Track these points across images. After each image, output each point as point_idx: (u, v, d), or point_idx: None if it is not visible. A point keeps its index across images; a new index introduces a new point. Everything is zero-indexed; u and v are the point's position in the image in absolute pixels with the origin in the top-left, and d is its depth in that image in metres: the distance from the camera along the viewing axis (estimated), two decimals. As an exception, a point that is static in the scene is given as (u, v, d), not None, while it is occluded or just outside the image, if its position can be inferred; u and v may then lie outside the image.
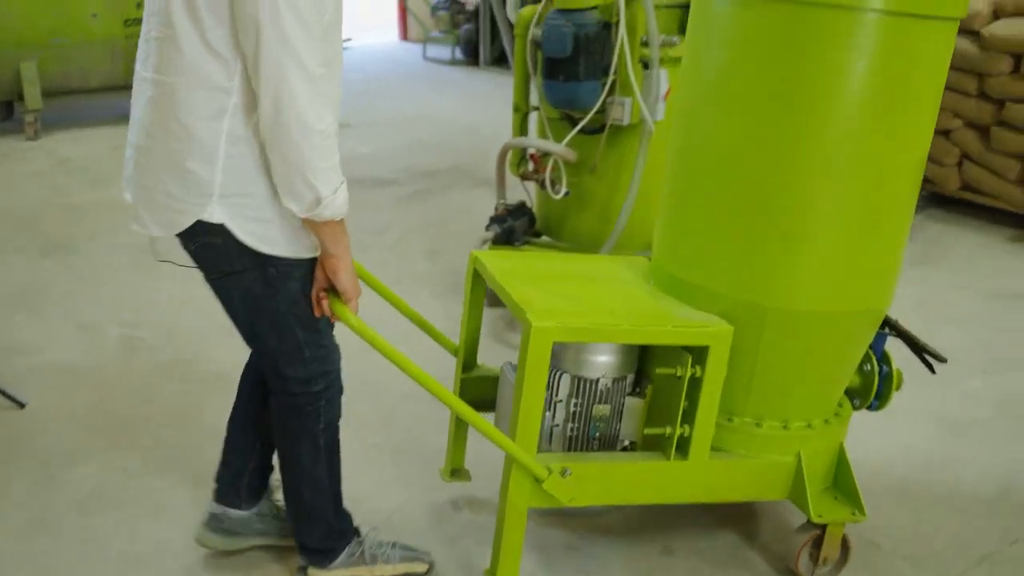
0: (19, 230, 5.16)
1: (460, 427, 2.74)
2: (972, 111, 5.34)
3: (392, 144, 7.18)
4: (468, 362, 2.71)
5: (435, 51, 11.42)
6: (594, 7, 3.70)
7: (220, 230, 1.97)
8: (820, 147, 2.23)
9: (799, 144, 2.24)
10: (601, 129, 3.87)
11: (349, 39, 12.10)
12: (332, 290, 2.09)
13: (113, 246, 4.87)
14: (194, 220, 1.96)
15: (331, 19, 1.91)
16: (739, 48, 2.29)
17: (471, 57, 10.94)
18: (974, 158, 5.41)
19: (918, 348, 2.67)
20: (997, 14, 5.26)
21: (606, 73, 3.75)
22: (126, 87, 7.53)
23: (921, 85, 2.28)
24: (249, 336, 2.23)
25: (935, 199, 5.70)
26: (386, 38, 12.80)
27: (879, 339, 2.61)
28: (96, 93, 7.59)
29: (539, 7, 3.88)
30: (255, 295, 2.09)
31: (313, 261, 2.08)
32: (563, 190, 3.96)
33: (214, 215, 1.95)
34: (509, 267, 2.53)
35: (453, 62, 11.06)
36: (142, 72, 1.99)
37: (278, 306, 2.10)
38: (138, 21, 7.22)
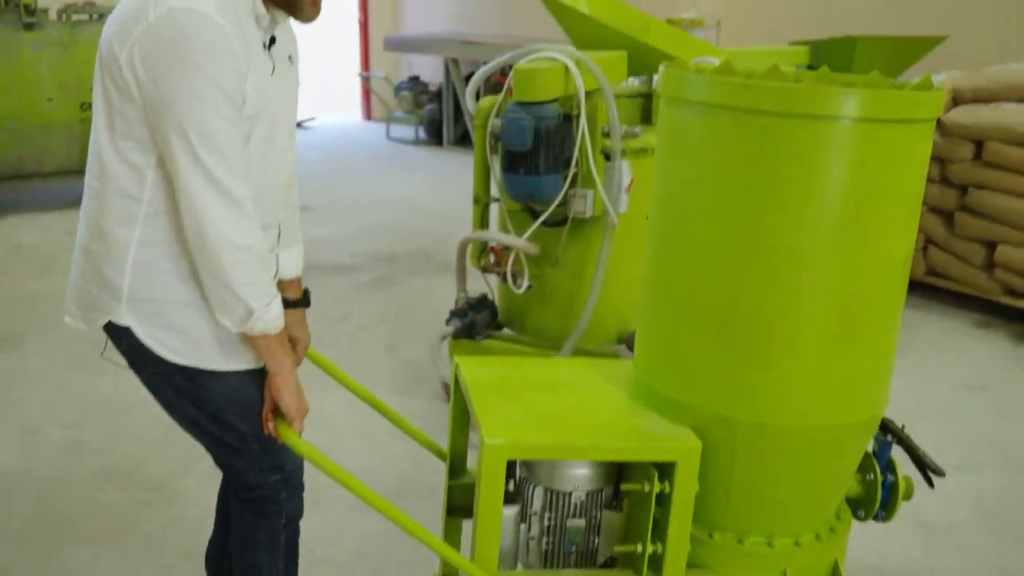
0: (-38, 322, 4.99)
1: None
2: (935, 197, 5.33)
3: (353, 227, 7.07)
4: (456, 468, 2.58)
5: (399, 131, 11.41)
6: (554, 99, 3.64)
7: (128, 333, 2.00)
8: (794, 257, 2.14)
9: (771, 255, 2.14)
10: (563, 222, 3.78)
11: (312, 118, 12.10)
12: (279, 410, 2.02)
13: (62, 340, 4.69)
14: (107, 320, 2.00)
15: (258, 108, 1.93)
16: (706, 160, 2.21)
17: (435, 137, 10.93)
18: (939, 243, 5.39)
19: (918, 460, 2.56)
20: (956, 101, 5.29)
21: (567, 165, 3.68)
22: (81, 171, 7.40)
23: (899, 188, 2.19)
24: (193, 435, 2.14)
25: (900, 283, 5.66)
26: (349, 117, 12.78)
27: (883, 446, 2.50)
28: (51, 177, 7.45)
29: (499, 98, 3.82)
30: (182, 399, 2.07)
31: (239, 375, 2.04)
32: (525, 284, 3.86)
33: (123, 318, 1.99)
34: (484, 375, 2.43)
35: (417, 142, 11.04)
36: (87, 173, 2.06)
37: (207, 409, 2.07)
38: (95, 105, 7.16)
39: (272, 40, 2.02)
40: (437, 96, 10.98)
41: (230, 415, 2.07)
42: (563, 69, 3.62)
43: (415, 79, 11.39)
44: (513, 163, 3.64)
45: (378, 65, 12.56)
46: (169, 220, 1.93)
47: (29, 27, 7.11)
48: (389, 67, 12.50)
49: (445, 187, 8.50)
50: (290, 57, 2.12)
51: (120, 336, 2.02)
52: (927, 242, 5.46)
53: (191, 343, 2.00)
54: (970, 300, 5.37)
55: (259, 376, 2.06)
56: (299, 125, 11.74)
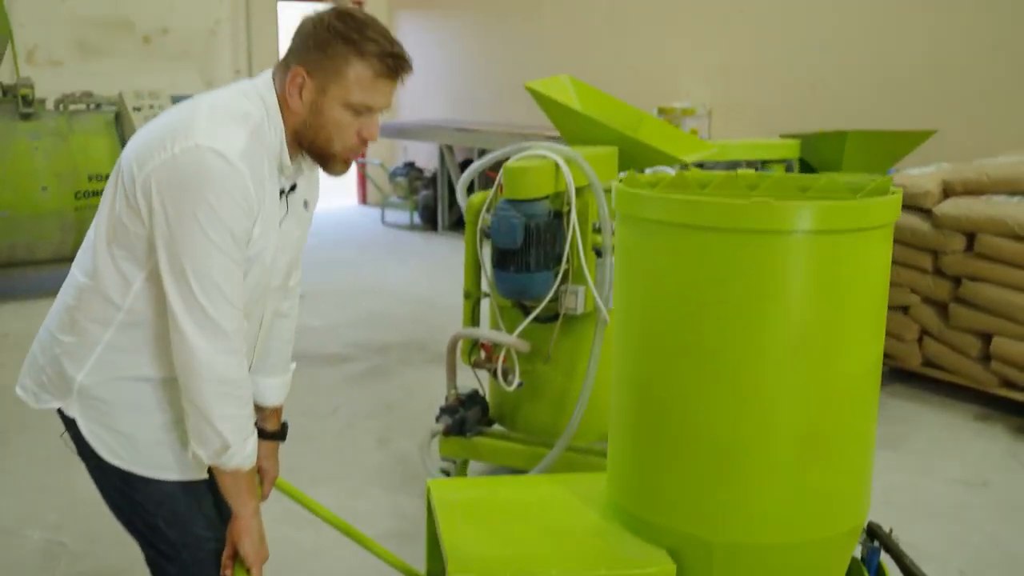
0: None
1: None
2: (929, 287, 5.31)
3: (345, 316, 7.03)
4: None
5: (393, 216, 11.46)
6: (544, 197, 3.63)
7: (73, 424, 2.03)
8: (755, 373, 2.10)
9: (731, 372, 2.11)
10: (555, 318, 3.75)
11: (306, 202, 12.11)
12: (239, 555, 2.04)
13: (44, 436, 4.59)
14: (56, 406, 2.04)
15: (259, 251, 1.98)
16: (660, 278, 2.18)
17: (429, 222, 10.97)
18: (934, 334, 5.35)
19: (907, 571, 2.49)
20: (947, 193, 5.30)
21: (558, 262, 3.65)
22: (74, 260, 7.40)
23: (858, 296, 2.17)
24: (129, 531, 2.15)
25: (898, 375, 5.61)
26: (345, 202, 12.86)
27: (871, 553, 2.43)
28: (44, 265, 7.43)
29: (489, 194, 3.81)
30: (118, 497, 2.09)
31: (172, 484, 2.05)
32: (516, 381, 3.80)
33: (70, 409, 2.02)
34: (455, 500, 2.38)
35: (411, 227, 11.08)
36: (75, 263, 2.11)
37: (139, 512, 2.08)
38: (89, 194, 7.18)
39: (293, 187, 2.08)
40: (432, 182, 11.05)
41: (160, 521, 2.07)
42: (553, 166, 3.62)
43: (410, 165, 11.48)
44: (503, 260, 3.61)
45: (374, 151, 12.66)
46: (141, 331, 1.97)
47: (26, 117, 7.17)
48: (385, 153, 12.61)
49: (440, 274, 8.49)
50: (306, 202, 2.17)
51: (67, 424, 2.06)
52: (922, 333, 5.42)
53: (130, 447, 2.02)
54: (967, 392, 5.31)
55: (192, 488, 2.07)
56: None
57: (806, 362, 2.14)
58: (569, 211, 3.62)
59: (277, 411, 2.41)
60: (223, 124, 1.88)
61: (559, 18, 10.18)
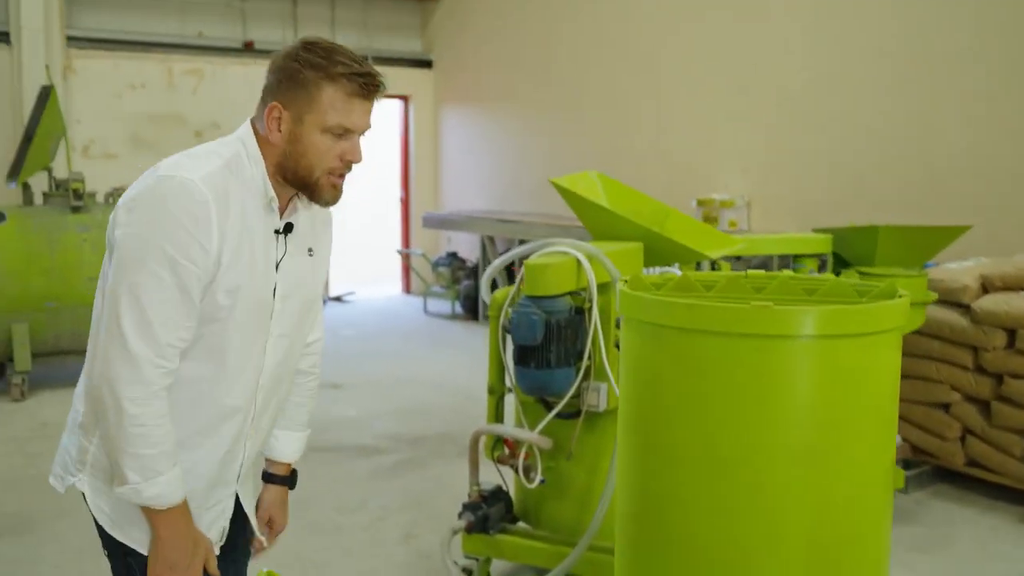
0: (-22, 506, 4.96)
1: None
2: (970, 385, 5.18)
3: (381, 407, 7.03)
4: None
5: (435, 305, 11.53)
6: (566, 293, 3.63)
7: (84, 499, 2.05)
8: (760, 479, 2.06)
9: (736, 478, 2.07)
10: (577, 414, 3.71)
11: (352, 292, 12.28)
12: None
13: (78, 526, 4.63)
14: (71, 484, 2.06)
15: (239, 287, 1.95)
16: (662, 381, 2.16)
17: (470, 312, 11.01)
18: (977, 433, 5.20)
19: None
20: (986, 288, 5.21)
21: (580, 358, 3.63)
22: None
23: (865, 402, 2.13)
24: None
25: (941, 474, 5.44)
26: (390, 291, 12.98)
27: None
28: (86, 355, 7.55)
29: (512, 289, 3.82)
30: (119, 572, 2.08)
31: None
32: (538, 478, 3.75)
33: (82, 483, 2.03)
34: None
35: (453, 316, 11.12)
36: None
37: None
38: (134, 284, 7.32)
39: (289, 227, 2.07)
40: (474, 272, 11.13)
41: None
42: (575, 263, 3.63)
43: (453, 255, 11.59)
44: (524, 357, 3.60)
45: (418, 241, 12.82)
46: None
47: (76, 210, 7.38)
48: (429, 243, 12.75)
49: (478, 365, 8.46)
50: (310, 250, 2.16)
51: (86, 504, 2.06)
52: (965, 432, 5.28)
53: (127, 520, 2.01)
54: (1012, 492, 5.13)
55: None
56: (339, 299, 11.92)
57: (812, 469, 2.09)
58: (591, 308, 3.61)
59: (288, 464, 2.41)
60: (191, 158, 1.94)
61: (599, 111, 10.31)
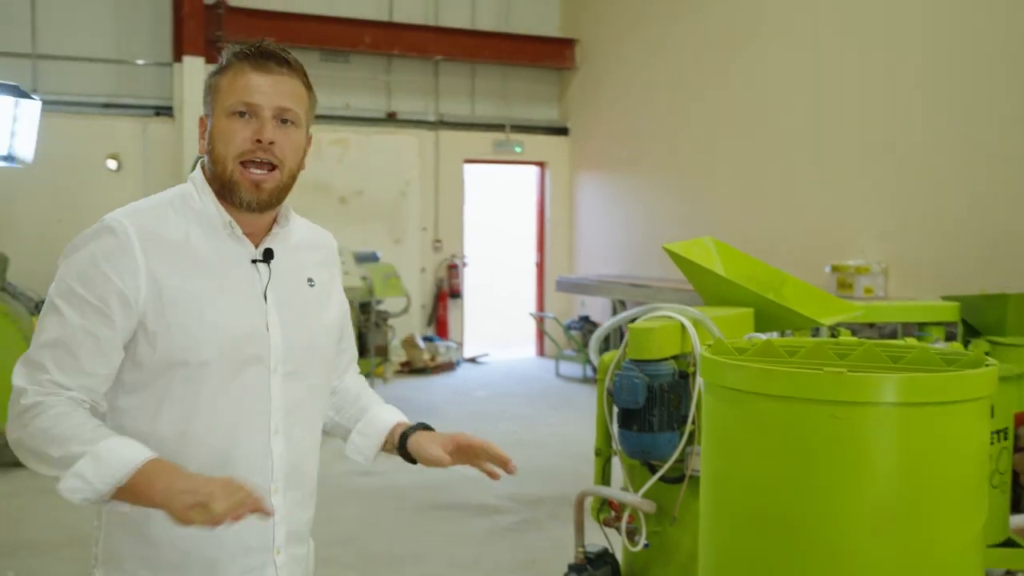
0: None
1: None
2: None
3: (505, 468, 7.11)
4: None
5: (567, 368, 11.60)
6: (670, 357, 3.66)
7: None
8: (838, 547, 2.05)
9: (813, 545, 2.06)
10: (681, 478, 3.71)
11: (486, 354, 12.49)
12: None
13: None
14: None
15: (181, 321, 1.80)
16: (740, 446, 2.18)
17: (602, 376, 11.04)
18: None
19: None
20: None
21: (683, 423, 3.65)
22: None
23: (950, 468, 2.09)
24: None
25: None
26: (524, 353, 13.14)
27: None
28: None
29: (618, 354, 3.87)
30: None
31: None
32: (642, 542, 3.76)
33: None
34: None
35: (584, 380, 11.17)
36: None
37: None
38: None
39: (268, 254, 1.93)
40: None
41: None
42: (679, 327, 3.66)
43: (585, 319, 11.68)
44: (627, 420, 3.64)
45: (552, 304, 12.96)
46: None
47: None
48: (563, 306, 12.87)
49: (604, 428, 8.49)
50: (310, 280, 2.02)
51: None
52: (1109, 511, 4.98)
53: None
54: None
55: None
56: (473, 360, 12.14)
57: (892, 538, 2.07)
58: (695, 372, 3.62)
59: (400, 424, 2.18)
60: (132, 205, 1.90)
61: (730, 176, 10.29)
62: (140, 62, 10.73)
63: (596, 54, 12.57)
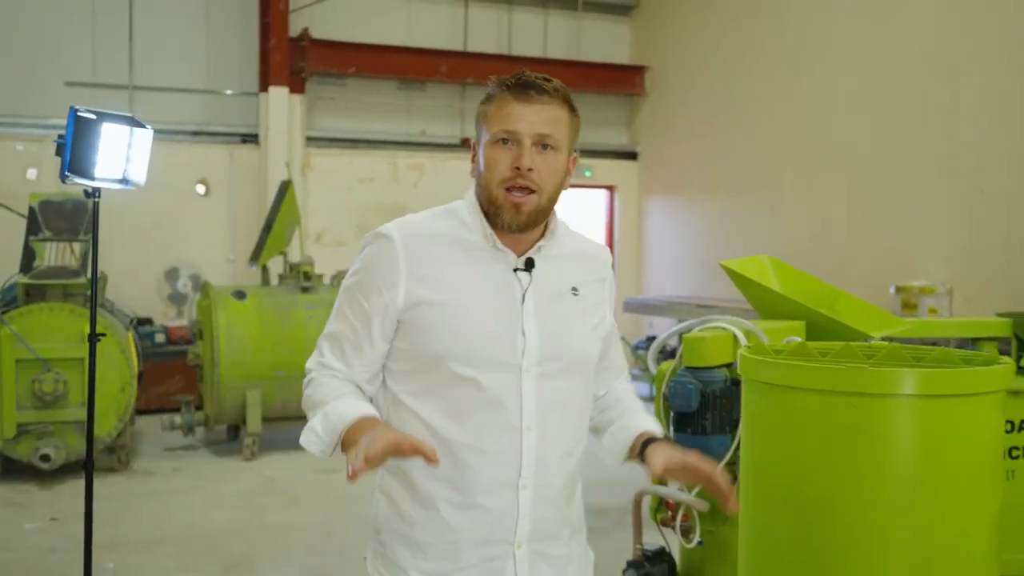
0: (207, 547, 5.64)
1: None
2: None
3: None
4: None
5: (636, 388, 11.78)
6: (723, 365, 3.90)
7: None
8: (861, 528, 2.27)
9: (839, 526, 2.29)
10: (734, 479, 3.94)
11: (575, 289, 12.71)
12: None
13: (295, 570, 5.22)
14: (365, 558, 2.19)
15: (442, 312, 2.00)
16: (774, 437, 2.44)
17: (670, 395, 11.22)
18: None
19: None
20: None
21: (735, 427, 3.87)
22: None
23: (966, 455, 2.31)
24: None
25: None
26: (593, 374, 13.36)
27: None
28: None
29: (674, 362, 4.12)
30: None
31: None
32: (696, 539, 3.99)
33: (367, 550, 2.18)
34: None
35: (651, 398, 11.33)
36: None
37: None
38: (353, 357, 8.06)
39: (530, 264, 2.06)
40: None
41: None
42: (731, 337, 3.90)
43: (652, 339, 11.85)
44: (681, 423, 3.89)
45: (621, 325, 13.15)
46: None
47: (306, 290, 8.25)
48: (632, 327, 13.09)
49: (669, 445, 8.67)
50: (574, 289, 2.13)
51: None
52: None
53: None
54: None
55: None
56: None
57: (911, 520, 2.30)
58: (746, 379, 3.86)
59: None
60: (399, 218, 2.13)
61: (797, 199, 10.44)
62: (229, 92, 11.30)
63: (666, 81, 12.83)
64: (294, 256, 9.13)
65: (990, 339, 5.12)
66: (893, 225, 9.25)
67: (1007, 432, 4.49)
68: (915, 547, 2.33)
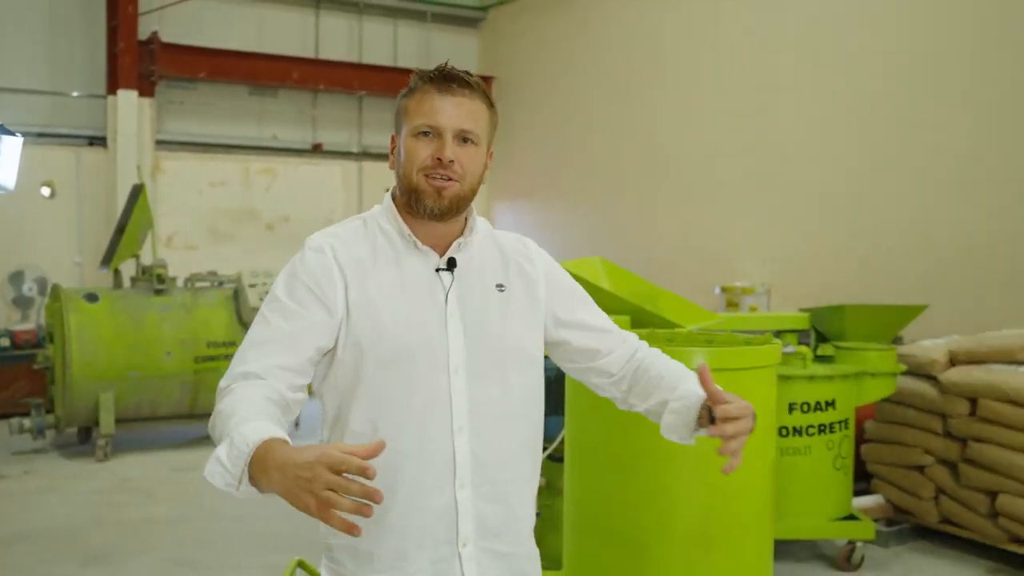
0: (67, 543, 5.77)
1: None
2: (941, 448, 5.76)
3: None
4: None
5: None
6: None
7: None
8: (659, 480, 2.77)
9: (642, 480, 2.78)
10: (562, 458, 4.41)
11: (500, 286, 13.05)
12: None
13: (155, 560, 5.42)
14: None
15: (369, 324, 1.99)
16: (587, 405, 2.90)
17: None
18: (948, 492, 5.75)
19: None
20: (953, 362, 5.82)
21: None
22: (191, 416, 8.39)
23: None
24: None
25: (919, 531, 5.97)
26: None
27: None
28: (164, 421, 8.44)
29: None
30: None
31: None
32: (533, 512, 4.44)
33: (324, 568, 2.10)
34: None
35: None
36: None
37: None
38: (207, 359, 8.23)
39: (452, 263, 2.07)
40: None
41: None
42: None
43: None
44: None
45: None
46: None
47: (159, 292, 8.36)
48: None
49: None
50: (499, 286, 2.12)
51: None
52: (938, 491, 5.83)
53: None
54: (980, 547, 5.65)
55: None
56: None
57: (701, 475, 2.80)
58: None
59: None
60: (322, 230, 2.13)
61: (634, 204, 11.15)
62: (75, 94, 11.20)
63: (512, 91, 13.38)
64: (146, 259, 9.18)
65: (792, 331, 5.79)
66: (717, 231, 10.03)
67: (804, 412, 5.14)
68: (704, 498, 2.83)
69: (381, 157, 13.11)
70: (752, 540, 2.88)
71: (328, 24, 12.80)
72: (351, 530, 1.57)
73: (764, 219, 9.50)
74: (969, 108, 7.65)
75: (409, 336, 1.98)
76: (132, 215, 8.49)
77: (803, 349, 5.42)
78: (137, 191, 8.64)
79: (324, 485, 1.54)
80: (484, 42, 13.95)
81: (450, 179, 2.00)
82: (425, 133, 2.01)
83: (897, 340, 6.68)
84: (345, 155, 12.84)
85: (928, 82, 7.96)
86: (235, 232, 11.91)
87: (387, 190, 2.19)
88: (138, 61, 11.12)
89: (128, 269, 8.95)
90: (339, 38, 12.88)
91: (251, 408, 1.79)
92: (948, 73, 7.80)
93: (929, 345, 5.97)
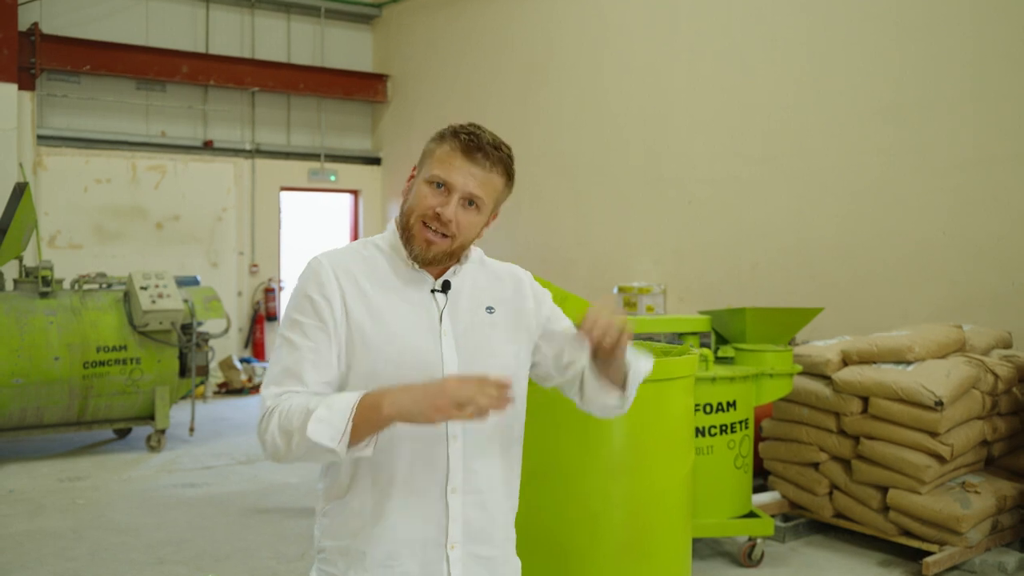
0: (-47, 558, 5.51)
1: None
2: (834, 446, 5.96)
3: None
4: None
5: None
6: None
7: None
8: (585, 488, 2.79)
9: (569, 487, 2.81)
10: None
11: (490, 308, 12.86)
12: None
13: (45, 574, 5.21)
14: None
15: (371, 338, 2.12)
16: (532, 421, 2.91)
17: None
18: (842, 488, 5.97)
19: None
20: (845, 361, 6.03)
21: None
22: (80, 423, 8.08)
23: (663, 427, 2.89)
24: None
25: (815, 526, 6.18)
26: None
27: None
28: (51, 428, 8.11)
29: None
30: None
31: None
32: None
33: (313, 570, 2.25)
34: None
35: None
36: None
37: None
38: (97, 363, 7.94)
39: (446, 285, 2.21)
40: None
41: None
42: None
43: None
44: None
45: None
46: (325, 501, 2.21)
47: (44, 295, 8.04)
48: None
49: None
50: (489, 308, 2.26)
51: None
52: (832, 487, 6.04)
53: None
54: (872, 540, 5.88)
55: None
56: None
57: (625, 481, 2.85)
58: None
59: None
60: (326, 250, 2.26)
61: (531, 205, 11.20)
62: (-51, 86, 10.68)
63: (407, 89, 13.30)
64: (30, 260, 8.83)
65: (693, 333, 5.91)
66: (613, 231, 10.17)
67: (707, 413, 5.26)
68: (627, 503, 2.88)
69: (276, 155, 12.87)
70: (674, 543, 2.94)
71: (219, 18, 12.51)
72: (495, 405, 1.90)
73: (659, 219, 9.68)
74: (853, 115, 7.94)
75: (407, 349, 2.12)
76: (16, 215, 8.14)
77: (705, 351, 5.53)
78: (21, 189, 8.29)
79: (458, 384, 1.90)
80: (378, 39, 13.83)
81: (444, 236, 2.15)
82: (438, 185, 2.15)
83: (791, 342, 6.90)
84: (237, 152, 12.56)
85: (815, 88, 8.22)
86: (123, 231, 11.53)
87: (393, 219, 2.32)
88: (18, 53, 10.66)
89: (11, 271, 8.58)
90: (231, 33, 12.59)
91: (319, 397, 2.02)
92: (832, 79, 8.07)
93: (823, 346, 6.18)
